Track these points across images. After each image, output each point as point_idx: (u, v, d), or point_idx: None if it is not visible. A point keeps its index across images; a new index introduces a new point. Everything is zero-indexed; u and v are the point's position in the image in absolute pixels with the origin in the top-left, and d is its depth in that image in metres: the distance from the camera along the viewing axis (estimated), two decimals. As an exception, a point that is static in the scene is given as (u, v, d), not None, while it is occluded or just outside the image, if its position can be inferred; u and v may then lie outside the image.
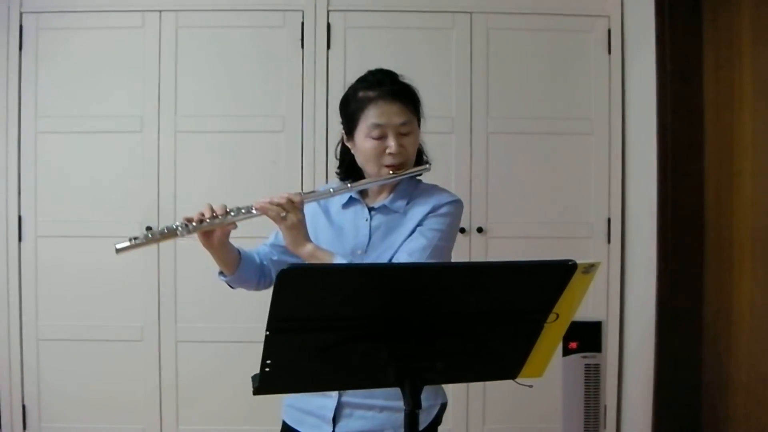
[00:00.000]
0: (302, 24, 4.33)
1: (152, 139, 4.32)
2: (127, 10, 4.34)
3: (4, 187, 4.32)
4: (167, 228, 2.31)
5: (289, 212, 2.26)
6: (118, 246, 2.30)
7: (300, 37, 4.32)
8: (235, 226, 2.33)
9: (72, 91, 4.34)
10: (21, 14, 4.31)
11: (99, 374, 4.34)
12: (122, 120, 4.33)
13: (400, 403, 2.23)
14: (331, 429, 2.34)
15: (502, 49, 4.36)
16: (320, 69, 4.30)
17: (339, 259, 2.28)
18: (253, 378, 1.71)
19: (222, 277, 2.50)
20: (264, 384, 1.70)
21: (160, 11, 4.33)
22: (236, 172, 4.30)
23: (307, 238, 2.31)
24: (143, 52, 4.34)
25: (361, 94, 2.38)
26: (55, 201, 4.34)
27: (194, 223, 2.29)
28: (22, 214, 4.33)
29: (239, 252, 2.47)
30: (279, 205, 2.26)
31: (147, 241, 2.31)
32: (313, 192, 2.40)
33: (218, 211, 2.30)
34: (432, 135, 4.17)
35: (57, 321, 4.34)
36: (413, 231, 2.37)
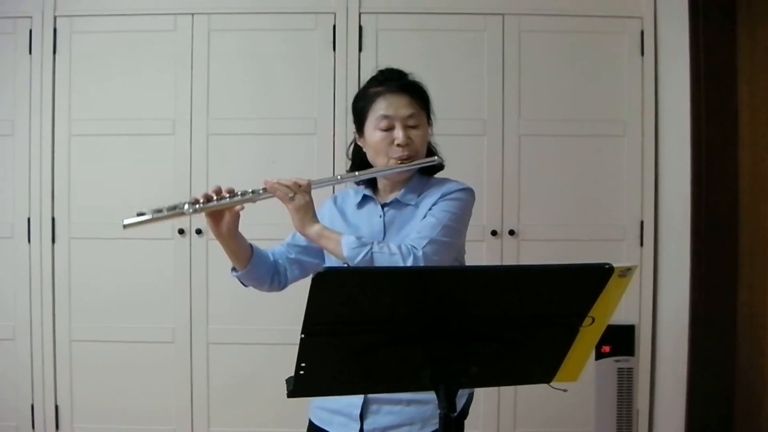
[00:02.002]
0: (334, 27, 4.32)
1: (185, 141, 4.34)
2: (159, 14, 4.36)
3: (38, 189, 4.35)
4: (174, 205, 2.33)
5: (297, 194, 2.30)
6: (126, 222, 2.30)
7: (332, 39, 4.32)
8: (242, 208, 2.36)
9: (105, 94, 4.36)
10: (55, 18, 4.35)
11: (131, 375, 4.36)
12: (155, 123, 4.35)
13: (427, 396, 2.27)
14: (359, 426, 2.35)
15: (534, 50, 4.34)
16: (352, 71, 4.30)
17: (347, 238, 2.28)
18: (288, 381, 1.71)
19: (234, 273, 2.52)
20: (299, 387, 1.70)
21: (193, 14, 4.35)
22: (269, 175, 4.29)
23: (314, 219, 2.34)
24: (176, 55, 4.36)
25: (370, 90, 2.46)
26: (88, 203, 4.36)
27: (201, 202, 2.31)
28: (55, 216, 4.36)
29: (252, 247, 2.49)
30: (287, 186, 2.30)
31: (154, 218, 2.31)
32: (321, 179, 2.42)
33: (225, 191, 2.33)
34: (464, 137, 4.21)
35: (90, 322, 4.37)
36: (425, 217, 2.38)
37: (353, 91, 4.15)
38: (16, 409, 4.39)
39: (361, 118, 2.46)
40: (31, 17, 4.35)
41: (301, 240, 2.52)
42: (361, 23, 4.32)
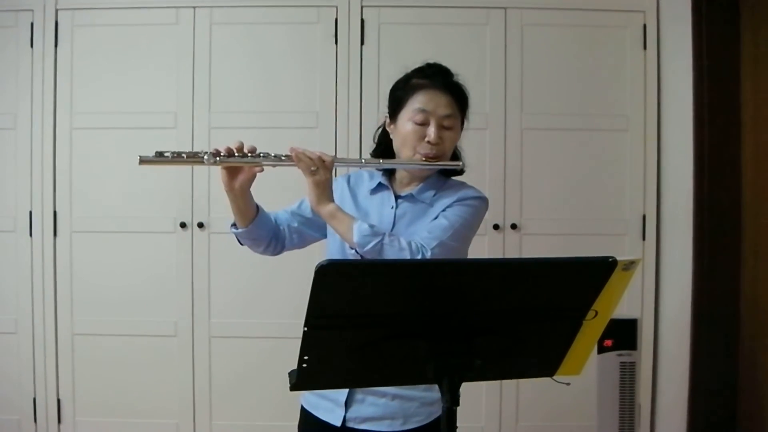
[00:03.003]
0: (336, 20, 4.32)
1: (186, 135, 4.33)
2: (161, 7, 4.35)
3: (40, 182, 4.35)
4: (196, 152, 2.33)
5: (320, 168, 2.29)
6: (142, 157, 2.29)
7: (334, 33, 4.32)
8: (261, 170, 2.35)
9: (107, 88, 4.36)
10: (56, 11, 4.34)
11: (133, 369, 4.36)
12: (156, 116, 4.34)
13: (413, 393, 2.29)
14: (344, 412, 2.37)
15: (537, 44, 4.33)
16: (354, 65, 4.30)
17: (359, 225, 2.27)
18: (291, 374, 1.70)
19: (234, 230, 2.51)
20: (301, 380, 1.69)
21: (194, 7, 4.34)
22: (269, 169, 4.29)
23: (330, 198, 2.34)
24: (177, 49, 4.35)
25: (414, 80, 2.44)
26: (90, 197, 4.37)
27: (222, 155, 2.31)
28: (57, 209, 4.37)
29: (258, 208, 2.49)
30: (311, 159, 2.30)
31: (172, 160, 2.31)
32: (344, 158, 2.43)
33: (248, 150, 2.33)
34: (466, 131, 4.19)
35: (91, 316, 4.37)
36: (437, 218, 2.38)
37: (355, 85, 4.19)
38: (18, 403, 4.40)
39: (397, 105, 2.44)
40: (32, 10, 4.35)
41: (307, 211, 2.54)
42: (363, 17, 4.32)
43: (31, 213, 4.36)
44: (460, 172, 2.53)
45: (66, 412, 4.41)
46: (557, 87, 4.33)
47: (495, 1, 4.32)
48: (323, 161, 2.30)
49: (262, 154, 2.32)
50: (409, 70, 2.50)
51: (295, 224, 2.57)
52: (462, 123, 2.48)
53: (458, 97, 2.44)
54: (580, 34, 4.35)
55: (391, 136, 2.49)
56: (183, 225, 4.30)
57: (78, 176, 4.37)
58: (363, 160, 2.47)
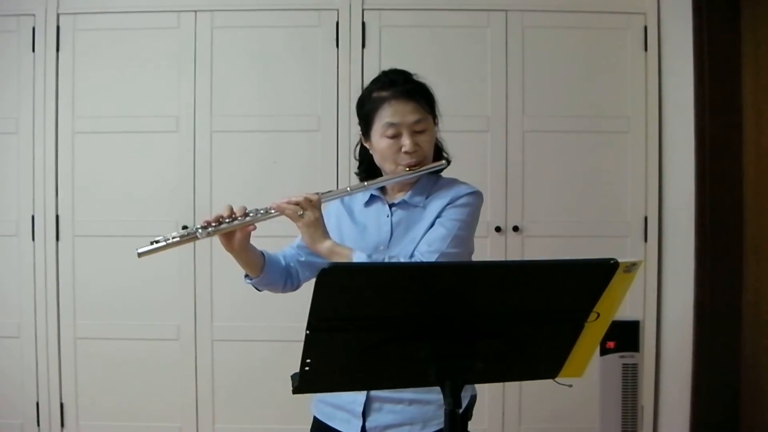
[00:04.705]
0: (337, 23, 4.32)
1: (188, 138, 4.34)
2: (162, 11, 4.36)
3: (42, 186, 4.35)
4: (187, 231, 2.35)
5: (306, 210, 2.29)
6: (140, 250, 2.35)
7: (335, 36, 4.32)
8: (255, 227, 2.35)
9: (108, 92, 4.37)
10: (58, 15, 4.35)
11: (136, 373, 4.36)
12: (158, 120, 4.35)
13: (429, 396, 2.26)
14: (361, 423, 2.35)
15: (538, 47, 4.33)
16: (355, 68, 4.30)
17: (358, 254, 2.29)
18: (293, 377, 1.70)
19: (248, 281, 2.53)
20: (304, 383, 1.70)
21: (196, 11, 4.35)
22: (272, 172, 4.31)
23: (326, 235, 2.34)
24: (179, 53, 4.36)
25: (375, 94, 2.42)
26: (92, 201, 4.37)
27: (213, 225, 2.31)
28: (59, 213, 4.37)
29: (263, 254, 2.49)
30: (296, 203, 2.30)
31: (167, 245, 2.35)
32: (330, 191, 2.42)
33: (237, 212, 2.32)
34: (468, 133, 4.20)
35: (94, 320, 4.37)
36: (433, 223, 2.37)
37: (357, 87, 4.19)
38: (21, 407, 4.40)
39: (367, 122, 2.44)
40: (34, 15, 4.35)
41: None
42: (365, 20, 4.32)
43: (33, 217, 4.37)
44: (448, 164, 2.52)
45: (69, 416, 4.41)
46: (558, 89, 4.33)
47: (496, 4, 4.32)
48: (310, 201, 2.30)
49: (250, 213, 2.33)
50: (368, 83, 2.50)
51: (303, 257, 2.56)
52: (435, 119, 2.46)
53: (423, 99, 2.41)
54: (581, 37, 4.35)
55: (371, 153, 2.48)
56: (185, 228, 4.29)
57: (80, 180, 4.37)
58: (348, 188, 2.45)
